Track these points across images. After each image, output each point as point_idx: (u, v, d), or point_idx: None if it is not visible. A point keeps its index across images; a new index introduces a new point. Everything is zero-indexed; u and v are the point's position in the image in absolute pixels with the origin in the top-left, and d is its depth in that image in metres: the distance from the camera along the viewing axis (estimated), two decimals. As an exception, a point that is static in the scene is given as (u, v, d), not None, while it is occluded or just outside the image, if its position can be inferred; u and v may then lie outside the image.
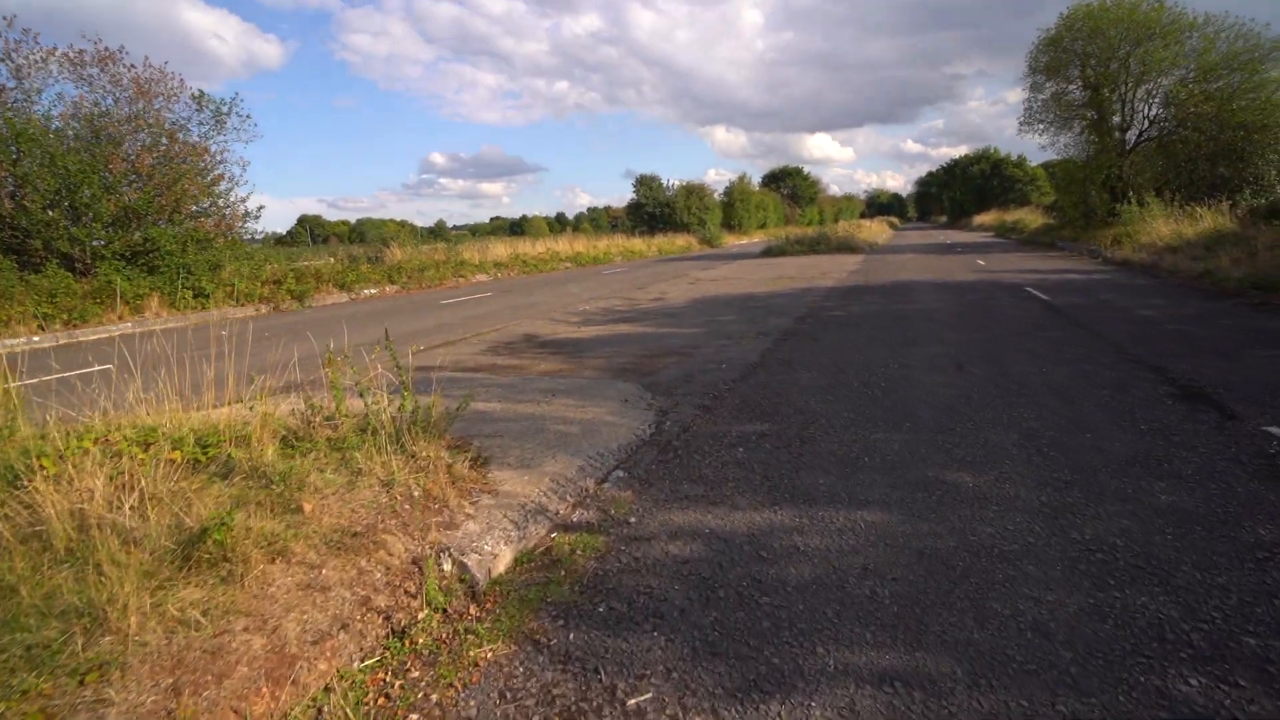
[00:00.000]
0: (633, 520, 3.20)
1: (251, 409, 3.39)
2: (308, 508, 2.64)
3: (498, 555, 2.71)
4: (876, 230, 43.93)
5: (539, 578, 2.70)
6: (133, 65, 13.97)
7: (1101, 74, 24.16)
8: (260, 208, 16.66)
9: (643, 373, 6.40)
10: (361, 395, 3.54)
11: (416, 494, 3.04)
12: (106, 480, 2.59)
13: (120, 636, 1.86)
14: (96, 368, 7.74)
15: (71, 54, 13.21)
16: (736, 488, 3.53)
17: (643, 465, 3.92)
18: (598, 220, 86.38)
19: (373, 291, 17.69)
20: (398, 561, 2.48)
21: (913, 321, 8.91)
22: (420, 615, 2.32)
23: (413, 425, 3.55)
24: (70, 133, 13.11)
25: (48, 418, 3.12)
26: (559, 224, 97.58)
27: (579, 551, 2.90)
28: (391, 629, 2.24)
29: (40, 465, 2.55)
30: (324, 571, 2.30)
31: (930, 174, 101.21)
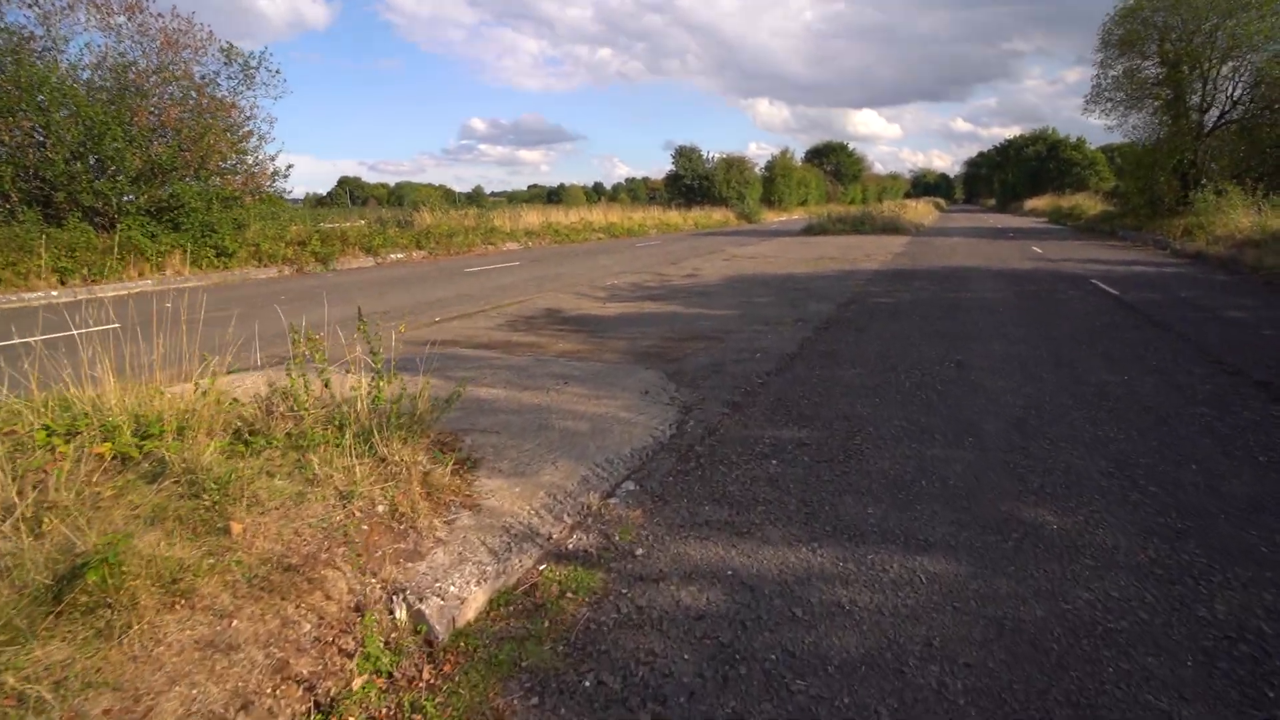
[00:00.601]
0: (640, 552, 2.65)
1: (204, 393, 2.91)
2: (236, 529, 2.15)
3: (466, 599, 2.18)
4: (923, 211, 42.15)
5: (516, 629, 2.17)
6: (160, 14, 13.60)
7: (1183, 49, 22.30)
8: (290, 166, 16.32)
9: (668, 359, 5.82)
10: (326, 384, 3.02)
11: (381, 509, 2.53)
12: (5, 481, 2.13)
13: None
14: (98, 328, 7.47)
15: (99, 1, 12.87)
16: (768, 513, 2.95)
17: (658, 476, 3.36)
18: (635, 191, 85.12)
19: (399, 256, 17.33)
20: (336, 607, 1.98)
21: (968, 313, 8.12)
22: (355, 684, 1.81)
23: (392, 419, 3.04)
24: (96, 83, 12.83)
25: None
26: (596, 194, 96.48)
27: (570, 593, 2.37)
28: (315, 703, 1.74)
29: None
30: (236, 623, 1.80)
31: (981, 154, 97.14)
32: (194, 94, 14.01)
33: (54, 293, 10.51)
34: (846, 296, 9.54)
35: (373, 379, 3.10)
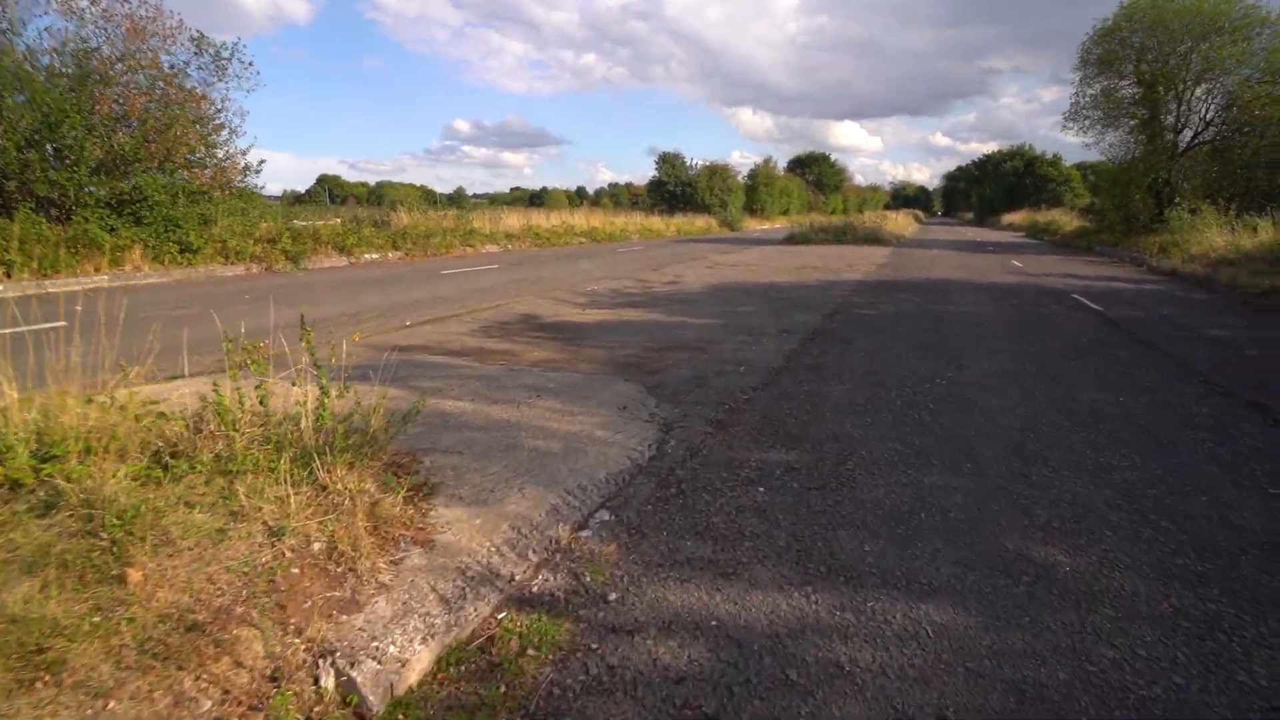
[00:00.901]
0: (613, 596, 2.35)
1: (122, 407, 2.56)
2: (135, 576, 1.82)
3: (409, 660, 1.87)
4: (903, 223, 42.49)
5: (466, 695, 1.86)
6: (126, 0, 13.05)
7: (1158, 70, 22.66)
8: (262, 161, 15.78)
9: (647, 370, 5.54)
10: (263, 401, 2.69)
11: (317, 547, 2.20)
12: None
13: None
14: (41, 326, 6.99)
15: (60, -17, 12.29)
16: (755, 550, 2.68)
17: (635, 505, 3.07)
18: (618, 196, 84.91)
19: (374, 257, 16.85)
20: (247, 677, 1.65)
21: (955, 327, 7.96)
22: (263, 777, 1.49)
23: (337, 440, 2.71)
24: (56, 69, 12.24)
25: None
26: (579, 198, 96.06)
27: (532, 649, 2.06)
28: (209, 804, 1.41)
29: None
30: (112, 705, 1.47)
31: (960, 168, 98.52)
32: (161, 84, 13.46)
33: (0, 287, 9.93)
34: (831, 307, 9.34)
35: (320, 393, 2.77)
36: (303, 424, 2.79)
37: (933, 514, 3.01)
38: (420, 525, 2.54)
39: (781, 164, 66.21)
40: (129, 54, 13.04)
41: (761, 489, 3.26)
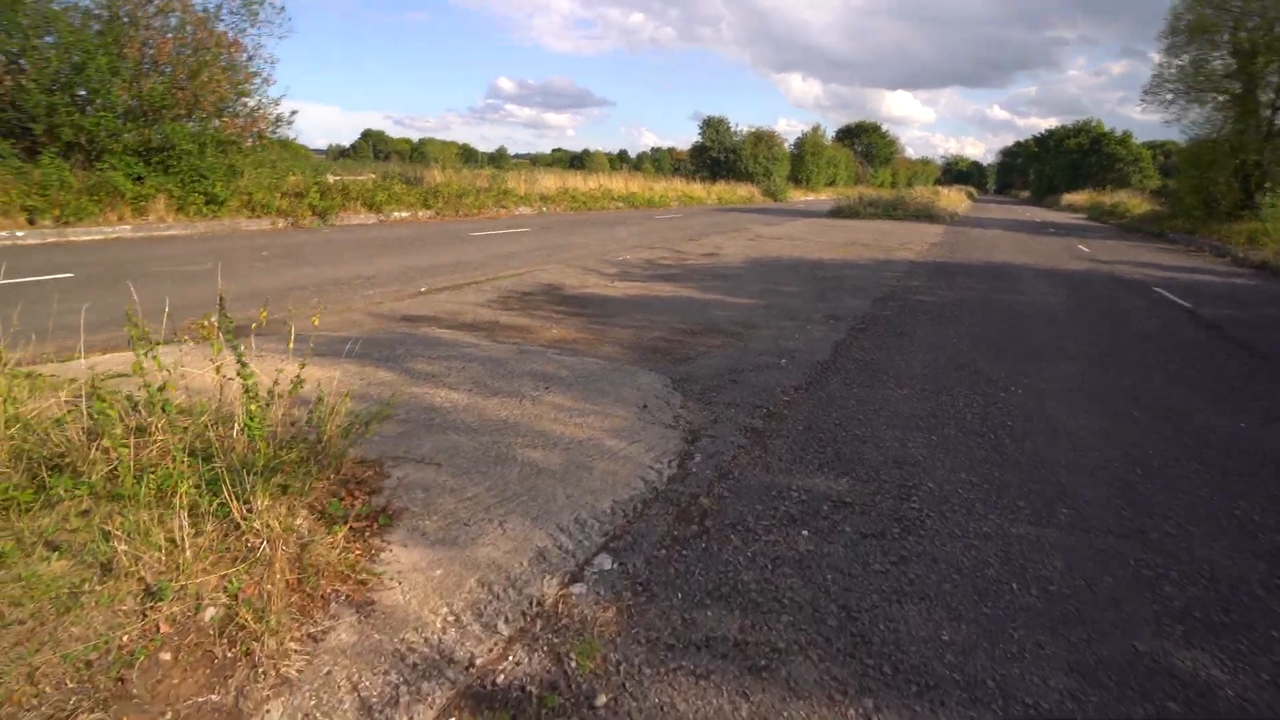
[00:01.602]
0: (603, 700, 1.74)
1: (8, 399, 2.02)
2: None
3: (292, 820, 1.30)
4: (955, 199, 40.37)
5: None
6: (155, -65, 12.51)
7: (1260, 39, 20.54)
8: (294, 112, 15.33)
9: (676, 358, 4.88)
10: (172, 400, 2.12)
11: (208, 616, 1.64)
12: None
13: None
14: (48, 277, 6.63)
15: (87, -83, 11.81)
16: (797, 630, 2.04)
17: (645, 548, 2.45)
18: (660, 161, 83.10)
19: (404, 215, 16.37)
20: None
21: (1026, 321, 7.08)
22: None
23: (273, 453, 2.14)
24: (89, 9, 11.85)
25: None
26: (620, 161, 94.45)
27: (479, 791, 1.47)
28: None
29: None
30: None
31: (1018, 144, 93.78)
32: (191, 27, 13.01)
33: (20, 233, 9.69)
34: (883, 291, 8.50)
35: (249, 389, 2.18)
36: (235, 427, 2.22)
37: (1027, 588, 2.32)
38: (362, 576, 1.96)
39: (830, 133, 63.73)
40: (157, -7, 12.56)
41: (805, 532, 2.61)
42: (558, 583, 2.18)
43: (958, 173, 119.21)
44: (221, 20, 13.58)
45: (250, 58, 14.04)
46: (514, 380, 4.11)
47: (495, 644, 1.89)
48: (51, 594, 1.57)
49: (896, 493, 2.98)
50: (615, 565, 2.33)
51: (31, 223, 10.08)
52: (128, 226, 11.04)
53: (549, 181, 24.43)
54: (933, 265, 11.63)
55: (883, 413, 4.00)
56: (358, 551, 2.08)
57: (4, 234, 9.51)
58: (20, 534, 1.70)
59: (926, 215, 25.62)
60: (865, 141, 73.87)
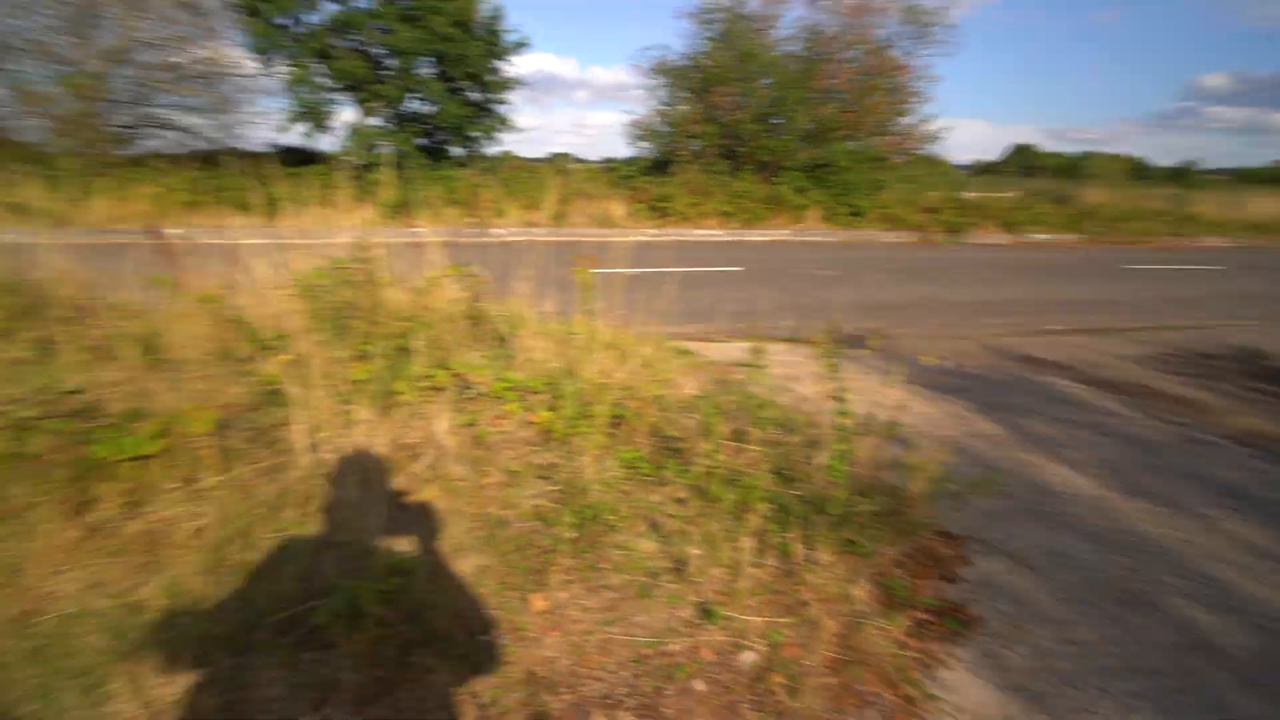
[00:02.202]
0: None
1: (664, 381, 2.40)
2: (538, 605, 1.51)
3: None
4: None
5: None
6: (850, -17, 14.19)
7: None
8: (945, 129, 15.44)
9: None
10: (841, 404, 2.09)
11: (746, 662, 1.52)
12: (451, 427, 2.05)
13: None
14: (724, 269, 8.42)
15: (817, -24, 14.23)
16: None
17: None
18: None
19: (1043, 237, 14.58)
20: None
21: None
22: None
23: (848, 500, 1.92)
24: (794, 53, 14.46)
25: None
26: None
27: None
28: None
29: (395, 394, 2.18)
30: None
31: None
32: (865, 56, 14.40)
33: (716, 232, 12.69)
34: None
35: (841, 428, 2.01)
36: (818, 458, 2.11)
37: None
38: (912, 692, 1.55)
39: None
40: (848, 30, 14.30)
41: None
42: None
43: None
44: (895, 46, 14.57)
45: (916, 79, 14.68)
46: (1172, 480, 2.92)
47: None
48: (639, 571, 1.72)
49: None
50: None
51: (723, 225, 13.07)
52: (786, 231, 13.15)
53: (1263, 204, 17.88)
54: None
55: None
56: (914, 652, 1.68)
57: (708, 232, 12.61)
58: (636, 506, 1.95)
59: None
60: None
